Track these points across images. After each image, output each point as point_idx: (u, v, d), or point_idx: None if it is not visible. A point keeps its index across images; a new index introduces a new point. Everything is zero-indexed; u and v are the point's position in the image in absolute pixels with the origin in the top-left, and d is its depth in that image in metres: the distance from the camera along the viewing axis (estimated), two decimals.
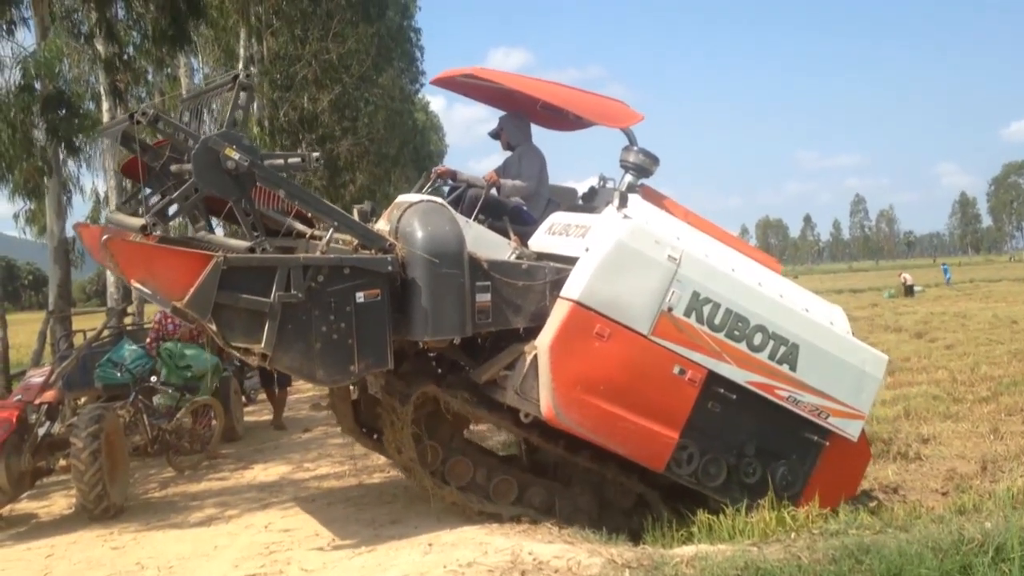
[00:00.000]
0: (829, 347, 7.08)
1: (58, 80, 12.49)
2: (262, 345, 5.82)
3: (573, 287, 6.47)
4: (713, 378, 6.69)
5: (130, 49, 16.35)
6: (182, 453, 10.04)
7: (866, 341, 8.15)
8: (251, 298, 5.80)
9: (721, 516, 6.74)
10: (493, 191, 7.58)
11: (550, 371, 6.31)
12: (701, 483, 6.85)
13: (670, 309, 6.54)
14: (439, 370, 7.23)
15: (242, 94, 6.03)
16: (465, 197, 7.56)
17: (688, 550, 5.73)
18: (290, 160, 6.20)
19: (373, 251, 6.32)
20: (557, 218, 7.32)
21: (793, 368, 6.90)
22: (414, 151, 36.81)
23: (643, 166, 7.49)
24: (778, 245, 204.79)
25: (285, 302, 5.84)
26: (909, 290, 42.52)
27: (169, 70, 20.15)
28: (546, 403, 6.35)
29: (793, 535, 6.16)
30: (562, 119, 8.24)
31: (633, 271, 6.47)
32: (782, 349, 6.85)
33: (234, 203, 6.07)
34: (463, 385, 6.98)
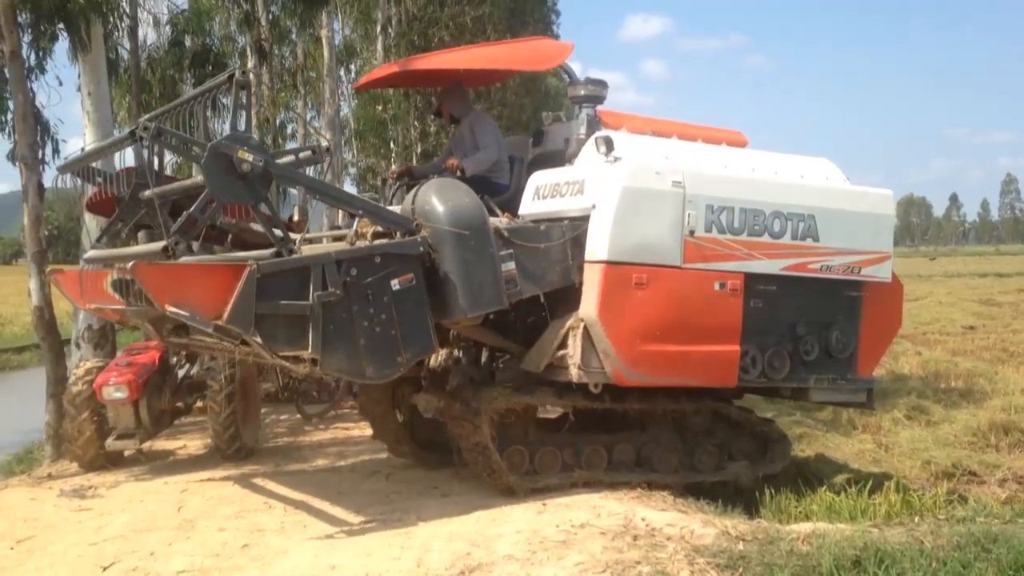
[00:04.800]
0: (839, 204, 7.15)
1: (207, 37, 13.00)
2: (309, 350, 5.57)
3: (598, 248, 6.41)
4: (750, 279, 6.78)
5: (274, 8, 16.86)
6: (310, 402, 10.42)
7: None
8: (290, 303, 5.52)
9: (843, 495, 6.60)
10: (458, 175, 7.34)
11: (607, 337, 6.31)
12: (770, 379, 6.97)
13: (692, 232, 6.55)
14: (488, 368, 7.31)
15: (242, 93, 5.61)
16: None
17: (805, 527, 5.61)
18: (301, 155, 5.96)
19: (400, 235, 6.11)
20: (540, 180, 7.16)
21: (816, 239, 7.00)
22: None
23: (595, 95, 7.47)
24: (920, 224, 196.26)
25: (324, 301, 5.57)
26: None
27: (312, 31, 20.62)
28: (612, 368, 6.38)
29: (917, 519, 5.95)
30: (494, 74, 8.33)
31: (647, 211, 6.43)
32: (801, 225, 6.93)
33: (253, 208, 5.72)
34: (517, 376, 6.95)
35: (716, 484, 7.39)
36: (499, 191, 7.42)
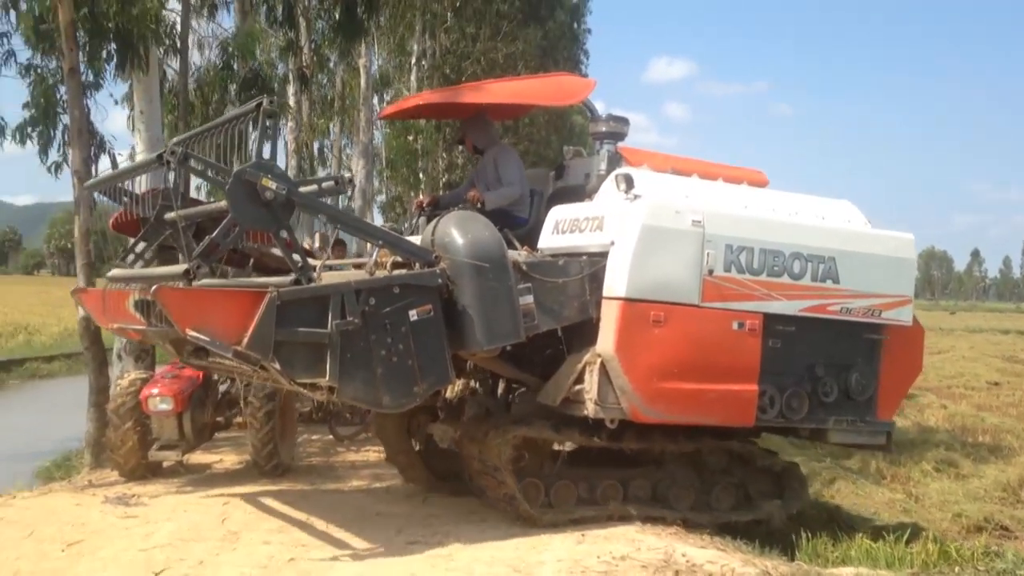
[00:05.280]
0: (860, 247, 7.16)
1: (254, 62, 13.28)
2: (327, 378, 5.60)
3: (616, 285, 6.46)
4: (769, 319, 6.80)
5: (315, 37, 17.18)
6: (343, 424, 10.53)
7: None
8: (309, 331, 5.56)
9: (880, 543, 6.65)
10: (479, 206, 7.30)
11: (623, 373, 6.35)
12: (788, 420, 6.99)
13: (711, 271, 6.58)
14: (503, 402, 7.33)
15: (268, 121, 5.66)
16: None
17: (848, 571, 5.67)
18: (324, 184, 6.00)
19: (419, 266, 6.14)
20: (560, 215, 7.19)
21: (836, 281, 7.01)
22: None
23: (616, 131, 7.55)
24: (941, 278, 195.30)
25: (343, 330, 5.61)
26: None
27: (350, 60, 20.98)
28: (629, 405, 6.42)
29: (957, 569, 6.00)
30: (518, 108, 8.47)
31: (666, 249, 6.48)
32: (821, 267, 6.96)
33: (274, 235, 5.77)
34: (533, 409, 6.98)
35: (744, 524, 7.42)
36: (519, 224, 7.48)
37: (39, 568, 5.82)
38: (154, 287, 5.40)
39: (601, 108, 7.82)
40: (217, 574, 5.65)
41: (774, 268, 6.81)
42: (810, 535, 7.06)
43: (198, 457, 9.28)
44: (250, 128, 5.80)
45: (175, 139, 6.37)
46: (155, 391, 8.17)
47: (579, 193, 7.48)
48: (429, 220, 7.52)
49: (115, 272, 6.91)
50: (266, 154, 5.61)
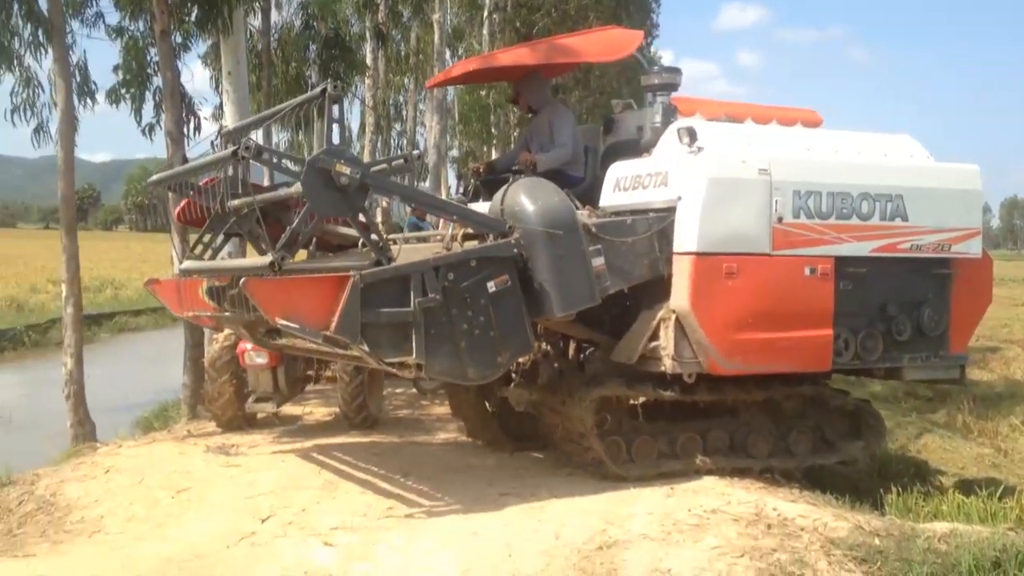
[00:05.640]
0: (926, 183, 7.13)
1: (334, 22, 13.45)
2: (414, 356, 5.68)
3: (686, 240, 6.45)
4: (840, 262, 6.80)
5: None
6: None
7: None
8: (393, 311, 5.63)
9: (972, 498, 6.60)
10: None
11: (700, 327, 6.37)
12: (864, 361, 6.99)
13: (780, 219, 6.58)
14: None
15: (334, 107, 5.72)
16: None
17: (941, 526, 5.65)
18: (394, 163, 6.06)
19: (492, 237, 6.18)
20: (619, 171, 7.14)
21: (905, 219, 7.00)
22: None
23: (669, 82, 7.49)
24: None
25: (425, 307, 5.68)
26: None
27: (423, 16, 21.01)
28: (707, 358, 6.46)
29: None
30: (568, 64, 8.50)
31: (734, 200, 6.46)
32: (889, 206, 6.94)
33: (352, 219, 5.83)
34: (607, 368, 6.99)
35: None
36: (575, 183, 7.40)
37: (152, 513, 6.14)
38: (242, 280, 5.50)
39: (669, 57, 7.95)
40: (319, 521, 5.88)
41: (842, 210, 6.80)
42: (900, 490, 7.04)
43: (289, 409, 9.59)
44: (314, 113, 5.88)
45: (228, 128, 6.42)
46: (251, 346, 8.45)
47: (634, 148, 7.44)
48: (484, 185, 7.67)
49: (188, 264, 6.99)
50: (335, 140, 5.67)
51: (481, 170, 8.06)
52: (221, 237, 7.06)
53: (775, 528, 5.66)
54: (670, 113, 7.32)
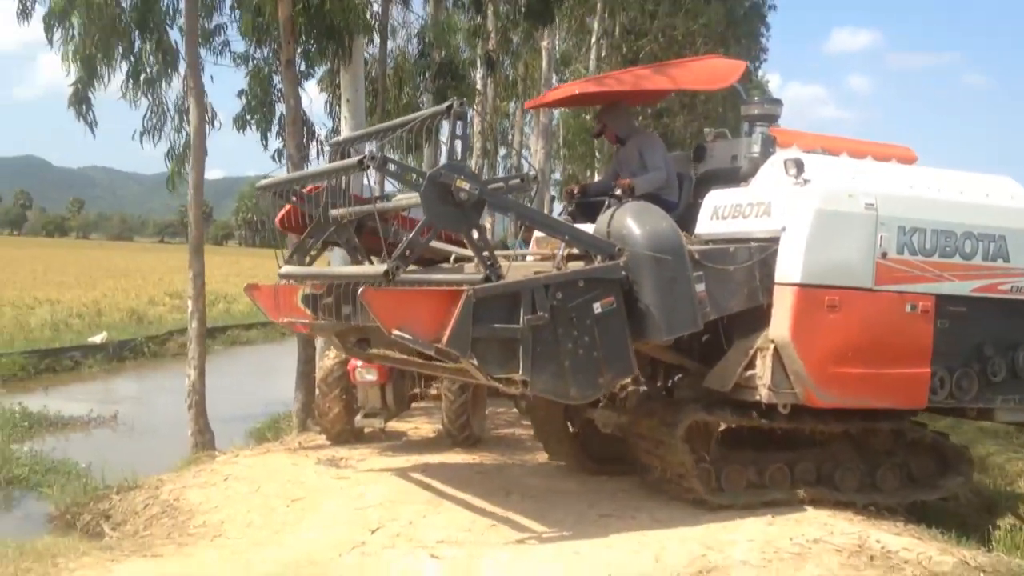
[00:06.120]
0: None
1: (448, 50, 13.87)
2: (519, 372, 5.73)
3: (790, 271, 6.46)
4: (941, 300, 6.80)
5: (502, 21, 17.60)
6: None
7: None
8: (502, 327, 5.68)
9: None
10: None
11: (799, 358, 6.38)
12: (958, 400, 6.94)
13: (884, 254, 6.59)
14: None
15: (458, 123, 5.78)
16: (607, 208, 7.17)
17: None
18: (511, 182, 6.19)
19: (600, 259, 6.21)
20: (718, 200, 7.15)
21: (1007, 259, 7.00)
22: None
23: (769, 113, 7.50)
24: None
25: (534, 325, 5.73)
26: None
27: (532, 42, 21.40)
28: (803, 390, 6.47)
29: None
30: (661, 93, 8.49)
31: (840, 233, 6.48)
32: (992, 246, 6.95)
33: (465, 235, 5.88)
34: (697, 394, 7.03)
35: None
36: (669, 209, 7.35)
37: (269, 520, 6.47)
38: (360, 289, 5.62)
39: (776, 81, 7.93)
40: (425, 535, 6.11)
41: (946, 249, 6.80)
42: (1008, 526, 6.91)
43: (395, 425, 9.90)
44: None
45: (339, 138, 6.59)
46: (361, 363, 8.77)
47: (729, 177, 7.49)
48: (578, 208, 7.77)
49: (287, 269, 7.11)
50: (457, 155, 5.79)
51: (575, 192, 8.18)
52: (319, 245, 7.20)
53: (878, 560, 5.67)
54: (769, 144, 7.36)
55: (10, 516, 8.78)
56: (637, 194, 7.31)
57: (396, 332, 5.57)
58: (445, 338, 5.48)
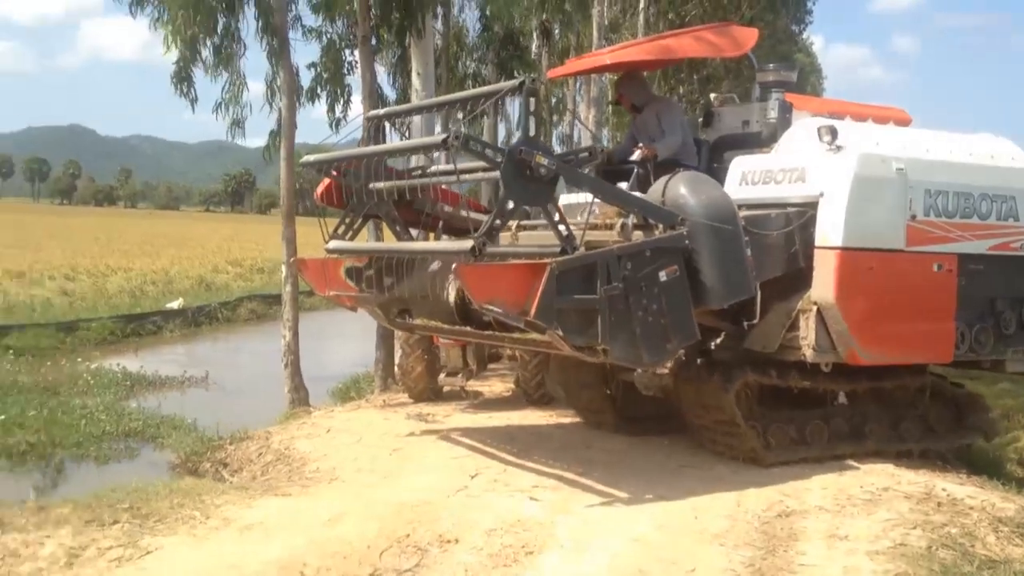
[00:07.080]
0: None
1: (510, 22, 14.27)
2: (599, 341, 5.92)
3: (831, 234, 6.76)
4: (962, 259, 7.25)
5: None
6: None
7: None
8: (582, 297, 5.86)
9: None
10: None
11: (843, 319, 6.71)
12: (976, 353, 7.44)
13: (913, 216, 6.99)
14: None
15: (531, 100, 5.86)
16: (634, 177, 7.46)
17: None
18: (580, 155, 6.30)
19: (663, 229, 6.38)
20: (745, 165, 7.38)
21: (1017, 219, 7.49)
22: None
23: (785, 80, 7.79)
24: None
25: (610, 295, 5.94)
26: None
27: (585, 10, 21.58)
28: (847, 349, 6.82)
29: None
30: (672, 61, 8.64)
31: (876, 197, 6.84)
32: (1004, 206, 7.42)
33: (544, 209, 6.01)
34: (737, 355, 7.28)
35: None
36: None
37: (376, 467, 7.03)
38: (454, 265, 5.86)
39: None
40: (519, 480, 6.62)
41: (966, 210, 7.25)
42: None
43: (472, 384, 10.42)
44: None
45: (376, 111, 7.12)
46: None
47: (745, 141, 7.82)
48: (603, 174, 7.69)
49: (333, 244, 7.30)
50: (532, 131, 5.88)
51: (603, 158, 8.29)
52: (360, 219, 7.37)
53: (945, 506, 6.10)
54: (786, 109, 7.67)
55: (136, 464, 9.52)
56: (660, 159, 7.57)
57: (486, 305, 5.81)
58: (532, 310, 5.65)
